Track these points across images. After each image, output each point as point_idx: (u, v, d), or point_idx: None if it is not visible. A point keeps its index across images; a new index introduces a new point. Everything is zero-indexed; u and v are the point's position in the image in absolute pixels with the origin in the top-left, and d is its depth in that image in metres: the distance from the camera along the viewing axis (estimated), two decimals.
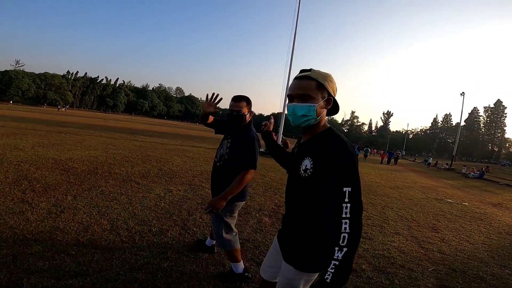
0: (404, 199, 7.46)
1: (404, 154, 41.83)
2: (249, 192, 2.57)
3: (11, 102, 65.35)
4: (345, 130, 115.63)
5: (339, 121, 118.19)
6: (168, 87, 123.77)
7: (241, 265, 2.28)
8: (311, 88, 1.09)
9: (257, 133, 2.18)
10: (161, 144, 11.52)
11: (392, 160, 26.76)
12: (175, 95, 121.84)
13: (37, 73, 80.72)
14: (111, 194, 4.16)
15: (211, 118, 2.29)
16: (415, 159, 49.19)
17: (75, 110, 65.67)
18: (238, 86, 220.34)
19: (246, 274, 2.29)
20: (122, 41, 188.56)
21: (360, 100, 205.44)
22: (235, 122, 2.11)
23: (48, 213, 3.19)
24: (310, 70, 1.13)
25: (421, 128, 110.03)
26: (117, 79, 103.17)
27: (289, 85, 1.19)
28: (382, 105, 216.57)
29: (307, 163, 1.08)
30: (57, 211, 3.28)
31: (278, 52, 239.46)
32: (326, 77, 1.13)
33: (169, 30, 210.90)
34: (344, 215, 0.91)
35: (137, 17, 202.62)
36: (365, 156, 27.63)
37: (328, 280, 0.91)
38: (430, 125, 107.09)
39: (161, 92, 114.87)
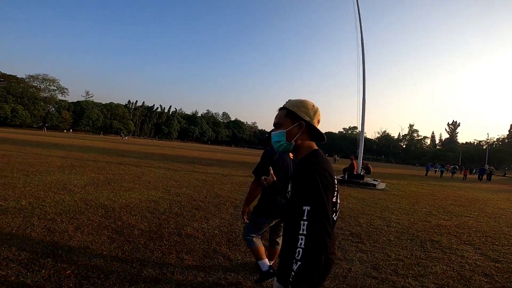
0: None
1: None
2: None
3: (65, 130, 70.35)
4: (403, 146, 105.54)
5: (396, 137, 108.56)
6: (215, 113, 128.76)
7: (265, 262, 2.34)
8: (281, 116, 1.22)
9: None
10: (224, 177, 9.78)
11: (485, 177, 24.17)
12: (222, 121, 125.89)
13: (103, 103, 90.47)
14: None
15: None
16: (505, 174, 42.43)
17: (135, 138, 70.52)
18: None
19: (272, 271, 2.32)
20: (174, 70, 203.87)
21: (419, 112, 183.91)
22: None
23: None
24: (287, 102, 1.24)
25: (498, 137, 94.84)
26: (170, 106, 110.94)
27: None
28: (445, 116, 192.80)
29: (289, 186, 1.19)
30: None
31: (344, 64, 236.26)
32: (297, 103, 1.21)
33: (214, 56, 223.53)
34: (301, 231, 0.95)
35: (183, 47, 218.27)
36: (453, 173, 26.65)
37: None
38: (508, 133, 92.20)
39: (209, 118, 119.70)
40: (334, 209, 1.11)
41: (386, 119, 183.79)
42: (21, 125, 63.87)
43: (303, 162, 1.13)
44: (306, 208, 0.95)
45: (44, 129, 65.72)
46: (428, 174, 25.36)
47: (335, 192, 1.11)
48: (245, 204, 2.37)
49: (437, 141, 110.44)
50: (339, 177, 12.43)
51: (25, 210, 3.88)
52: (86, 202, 4.70)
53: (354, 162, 12.06)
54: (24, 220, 3.47)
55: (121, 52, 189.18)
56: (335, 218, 1.15)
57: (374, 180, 12.25)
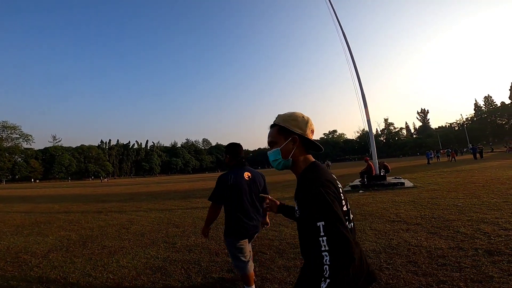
0: None
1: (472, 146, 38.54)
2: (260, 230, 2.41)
3: (38, 180, 65.52)
4: (384, 140, 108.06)
5: (374, 133, 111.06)
6: (195, 141, 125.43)
7: None
8: (273, 134, 1.16)
9: (235, 173, 2.27)
10: None
11: (477, 155, 26.01)
12: (203, 147, 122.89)
13: (74, 146, 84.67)
14: None
15: None
16: (493, 149, 44.99)
17: (116, 180, 65.45)
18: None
19: None
20: (144, 102, 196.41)
21: (389, 106, 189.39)
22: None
23: None
24: (277, 117, 1.18)
25: (466, 116, 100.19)
26: (147, 141, 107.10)
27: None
28: (413, 106, 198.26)
29: (296, 205, 1.08)
30: None
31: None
32: (287, 118, 1.15)
33: (183, 83, 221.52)
34: (323, 248, 0.87)
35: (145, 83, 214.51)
36: (448, 155, 29.11)
37: None
38: (474, 112, 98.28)
39: (190, 147, 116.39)
40: (347, 217, 1.03)
41: (362, 118, 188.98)
42: None
43: (303, 178, 1.07)
44: (320, 223, 0.88)
45: (3, 182, 60.36)
46: (430, 162, 25.84)
47: (343, 201, 1.03)
48: (206, 226, 2.38)
49: (412, 130, 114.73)
50: (357, 181, 11.05)
51: None
52: (48, 284, 2.90)
53: (371, 163, 10.75)
54: None
55: (84, 91, 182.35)
56: (350, 227, 1.04)
57: (395, 178, 10.96)
